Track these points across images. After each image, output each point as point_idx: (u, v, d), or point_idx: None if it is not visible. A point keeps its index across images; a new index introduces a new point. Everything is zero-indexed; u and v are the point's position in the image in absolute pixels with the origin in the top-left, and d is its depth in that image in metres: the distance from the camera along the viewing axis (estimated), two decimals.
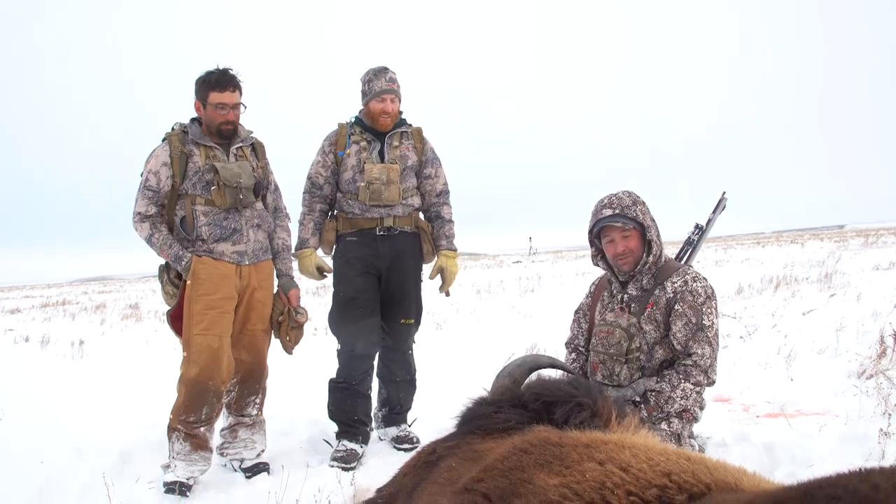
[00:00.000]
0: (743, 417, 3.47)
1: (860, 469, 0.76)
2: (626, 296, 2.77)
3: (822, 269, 9.61)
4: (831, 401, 3.51)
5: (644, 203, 2.72)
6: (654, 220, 2.73)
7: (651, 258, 2.68)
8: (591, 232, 2.78)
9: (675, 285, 2.66)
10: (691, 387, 2.57)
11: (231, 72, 3.00)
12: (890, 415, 3.02)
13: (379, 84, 3.41)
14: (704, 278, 2.70)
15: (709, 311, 2.62)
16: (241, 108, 3.08)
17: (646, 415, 2.58)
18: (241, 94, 3.05)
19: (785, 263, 11.66)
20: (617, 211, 2.65)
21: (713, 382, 2.64)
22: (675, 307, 2.62)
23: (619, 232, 2.67)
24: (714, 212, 3.08)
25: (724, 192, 3.10)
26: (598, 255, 2.83)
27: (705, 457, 1.11)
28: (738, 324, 5.97)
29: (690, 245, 3.03)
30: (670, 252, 3.02)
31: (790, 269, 10.26)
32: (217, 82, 2.97)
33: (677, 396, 2.56)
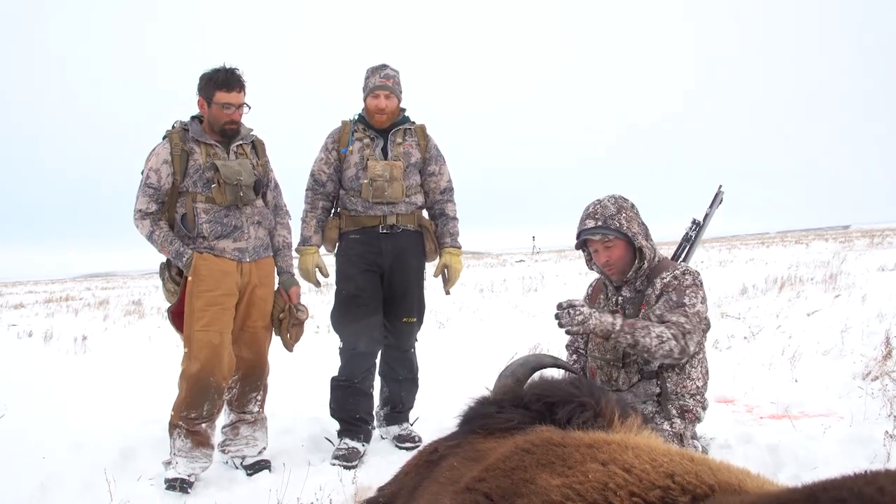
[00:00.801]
0: (747, 418, 3.45)
1: (865, 471, 0.76)
2: (620, 298, 2.75)
3: (827, 269, 9.56)
4: (836, 402, 3.49)
5: (631, 208, 2.67)
6: (642, 226, 2.67)
7: (645, 263, 2.65)
8: (577, 239, 2.76)
9: (665, 280, 2.61)
10: (669, 335, 2.43)
11: (237, 72, 3.01)
12: None
13: (374, 80, 3.40)
14: (697, 272, 2.65)
15: (692, 294, 2.54)
16: (245, 109, 3.09)
17: (619, 323, 2.45)
18: (245, 94, 3.06)
19: (789, 264, 11.61)
20: (599, 223, 2.62)
21: (687, 352, 2.48)
22: (662, 296, 2.59)
23: (601, 244, 2.65)
24: (711, 206, 2.99)
25: (720, 186, 3.02)
26: (591, 260, 2.81)
27: (709, 458, 1.10)
28: (743, 324, 5.95)
29: (688, 242, 2.94)
30: (668, 251, 2.96)
31: (795, 270, 10.22)
32: (224, 82, 2.97)
33: (654, 334, 2.43)
